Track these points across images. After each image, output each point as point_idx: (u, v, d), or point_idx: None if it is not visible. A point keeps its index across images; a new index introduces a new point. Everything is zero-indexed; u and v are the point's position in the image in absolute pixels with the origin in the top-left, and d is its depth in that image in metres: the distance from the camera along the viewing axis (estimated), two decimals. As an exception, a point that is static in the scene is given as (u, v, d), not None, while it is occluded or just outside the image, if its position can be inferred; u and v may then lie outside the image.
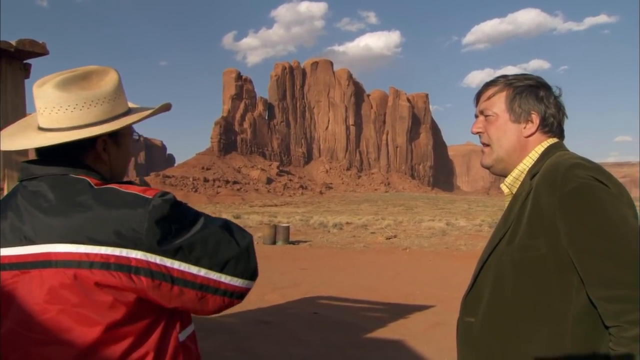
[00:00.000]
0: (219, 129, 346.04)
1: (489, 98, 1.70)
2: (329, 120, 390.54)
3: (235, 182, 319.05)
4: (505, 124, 1.67)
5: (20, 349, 1.25)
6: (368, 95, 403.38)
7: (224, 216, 50.22)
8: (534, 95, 1.65)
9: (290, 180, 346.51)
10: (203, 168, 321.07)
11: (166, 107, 1.53)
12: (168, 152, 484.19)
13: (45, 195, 1.30)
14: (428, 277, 13.12)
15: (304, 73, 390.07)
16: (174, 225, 1.27)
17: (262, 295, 10.29)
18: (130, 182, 1.42)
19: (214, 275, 1.30)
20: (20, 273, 1.26)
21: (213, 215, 1.45)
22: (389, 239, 26.52)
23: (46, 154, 1.38)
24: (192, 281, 1.28)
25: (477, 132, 1.73)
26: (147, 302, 1.27)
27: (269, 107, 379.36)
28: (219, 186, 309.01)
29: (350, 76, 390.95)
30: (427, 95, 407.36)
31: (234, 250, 1.33)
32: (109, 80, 1.43)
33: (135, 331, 1.28)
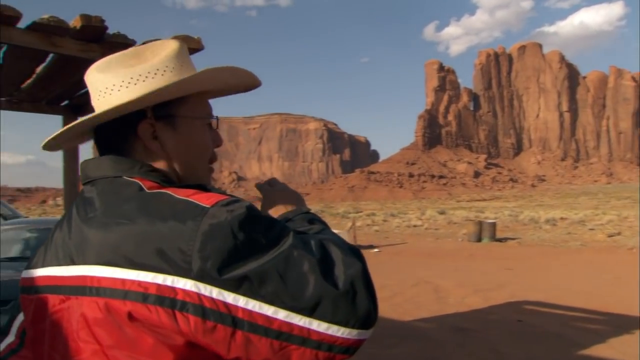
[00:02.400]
0: (422, 122, 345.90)
1: None
2: (539, 108, 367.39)
3: (441, 177, 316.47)
4: None
5: None
6: (584, 78, 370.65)
7: (428, 212, 50.01)
8: None
9: (499, 173, 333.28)
10: (408, 163, 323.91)
11: (232, 72, 1.17)
12: (372, 148, 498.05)
13: (93, 203, 1.03)
14: (660, 283, 11.17)
15: (510, 59, 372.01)
16: (240, 246, 0.89)
17: (462, 297, 9.73)
18: (201, 186, 1.06)
19: (300, 321, 0.89)
20: (65, 299, 1.01)
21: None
22: (611, 236, 23.64)
23: (101, 151, 1.13)
24: (265, 326, 0.89)
25: None
26: (203, 348, 0.92)
27: (474, 97, 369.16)
28: (424, 181, 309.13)
29: (562, 58, 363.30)
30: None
31: (328, 287, 0.90)
32: (163, 51, 1.10)
33: None
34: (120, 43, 3.71)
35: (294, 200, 1.26)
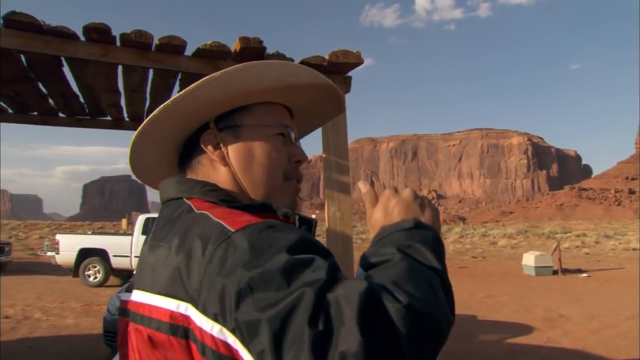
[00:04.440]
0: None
1: None
2: None
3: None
4: None
5: None
6: None
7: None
8: None
9: None
10: (627, 178, 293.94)
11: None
12: (584, 162, 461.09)
13: (154, 226, 1.04)
14: None
15: None
16: (242, 281, 0.75)
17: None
18: (265, 206, 0.99)
19: None
20: (130, 323, 0.99)
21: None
22: None
23: (180, 172, 1.16)
24: None
25: None
26: None
27: None
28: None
29: None
30: None
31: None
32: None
33: None
34: (278, 62, 3.68)
35: (414, 213, 0.97)
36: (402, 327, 0.69)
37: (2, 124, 5.79)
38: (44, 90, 4.71)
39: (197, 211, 0.94)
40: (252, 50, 3.54)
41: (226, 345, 0.76)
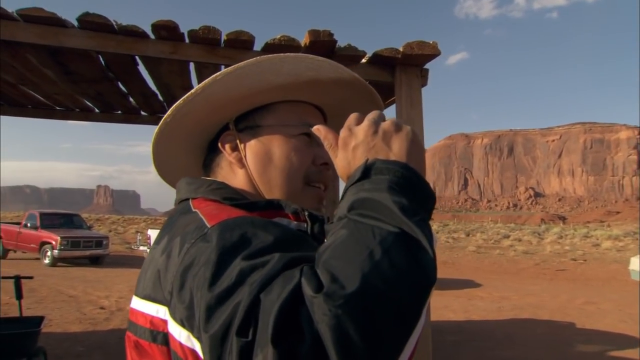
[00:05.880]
0: None
1: None
2: None
3: None
4: None
5: None
6: None
7: None
8: None
9: None
10: None
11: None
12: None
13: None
14: None
15: None
16: (200, 282, 0.69)
17: None
18: (271, 203, 0.92)
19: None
20: None
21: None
22: None
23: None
24: None
25: None
26: None
27: None
28: None
29: None
30: None
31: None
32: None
33: None
34: (350, 55, 3.50)
35: (376, 151, 0.75)
36: (326, 322, 0.57)
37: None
38: (124, 89, 4.80)
39: (193, 210, 0.87)
40: (322, 43, 3.37)
41: (194, 354, 0.70)
